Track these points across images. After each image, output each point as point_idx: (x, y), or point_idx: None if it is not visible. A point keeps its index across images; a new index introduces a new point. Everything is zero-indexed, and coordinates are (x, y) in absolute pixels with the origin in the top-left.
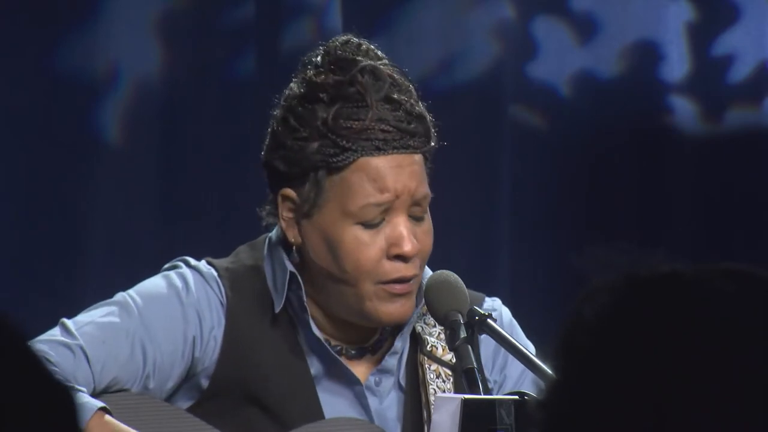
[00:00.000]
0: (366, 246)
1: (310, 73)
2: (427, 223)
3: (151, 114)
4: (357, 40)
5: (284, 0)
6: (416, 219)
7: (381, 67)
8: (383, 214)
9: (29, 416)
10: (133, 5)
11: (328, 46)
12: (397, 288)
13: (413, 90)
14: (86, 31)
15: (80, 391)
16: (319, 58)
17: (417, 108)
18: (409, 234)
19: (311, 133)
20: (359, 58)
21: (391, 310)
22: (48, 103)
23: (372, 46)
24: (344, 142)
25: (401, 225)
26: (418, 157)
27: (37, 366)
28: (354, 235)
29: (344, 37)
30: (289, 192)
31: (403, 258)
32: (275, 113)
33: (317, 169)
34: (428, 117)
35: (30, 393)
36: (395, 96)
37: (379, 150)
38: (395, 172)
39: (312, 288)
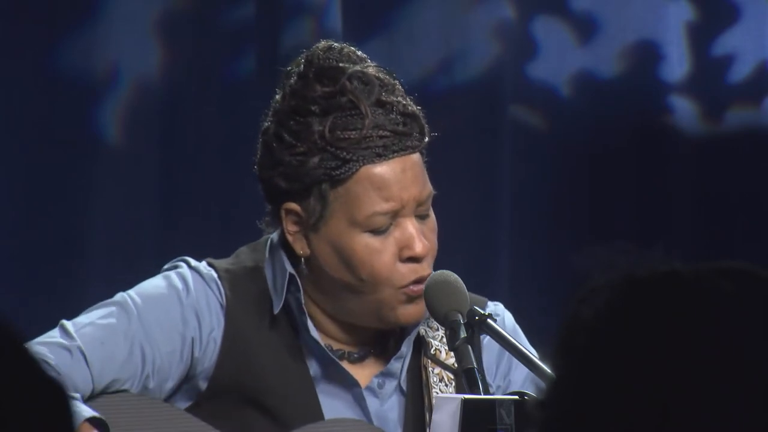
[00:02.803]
0: (378, 252)
1: (297, 85)
2: (432, 220)
3: (151, 114)
4: (338, 44)
5: (284, 0)
6: (422, 217)
7: (367, 70)
8: (391, 219)
9: (25, 417)
10: (133, 5)
11: (310, 55)
12: (415, 290)
13: (400, 87)
14: (86, 31)
15: (73, 398)
16: (302, 68)
17: (409, 107)
18: (419, 234)
19: (309, 147)
20: (343, 64)
21: (410, 311)
22: (48, 103)
23: (353, 48)
24: (344, 153)
25: (410, 227)
26: (416, 157)
27: (32, 366)
28: (365, 243)
29: (325, 44)
30: (293, 206)
31: (416, 259)
32: (265, 126)
33: (320, 183)
34: (420, 113)
35: (26, 394)
36: (386, 98)
37: (379, 156)
38: (399, 179)
39: (318, 293)
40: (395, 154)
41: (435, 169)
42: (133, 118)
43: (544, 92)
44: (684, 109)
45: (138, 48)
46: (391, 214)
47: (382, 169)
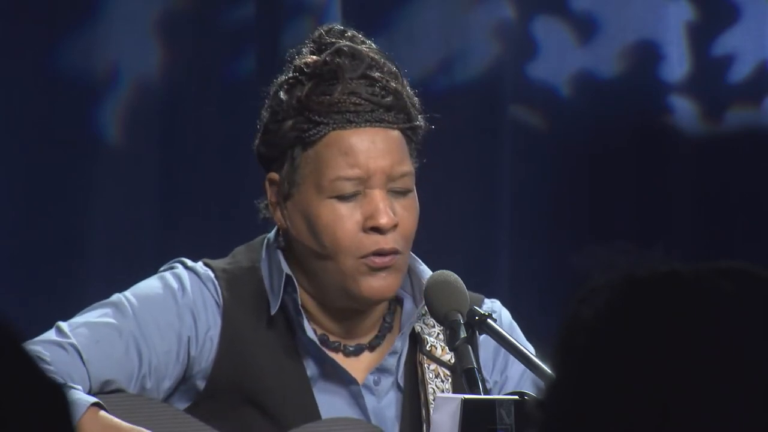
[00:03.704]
0: (342, 219)
1: (295, 60)
2: (410, 200)
3: (151, 114)
4: (341, 27)
5: (284, 0)
6: (398, 194)
7: (361, 48)
8: (358, 186)
9: (25, 417)
10: (133, 5)
11: (314, 35)
12: (377, 261)
13: (398, 74)
14: (86, 31)
15: (74, 388)
16: (305, 49)
17: (393, 84)
18: (386, 207)
19: (287, 113)
20: (338, 41)
21: (372, 284)
22: (48, 103)
23: (359, 34)
24: (316, 116)
25: (377, 198)
26: (395, 134)
27: (31, 366)
28: (330, 209)
29: (328, 26)
30: (273, 175)
31: (379, 230)
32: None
33: (293, 147)
34: (409, 95)
35: (25, 394)
36: (372, 74)
37: (350, 123)
38: (367, 148)
39: (304, 278)
40: (368, 123)
41: (435, 169)
42: (133, 118)
43: (544, 92)
44: (684, 109)
45: (138, 48)
46: (357, 182)
47: (351, 136)
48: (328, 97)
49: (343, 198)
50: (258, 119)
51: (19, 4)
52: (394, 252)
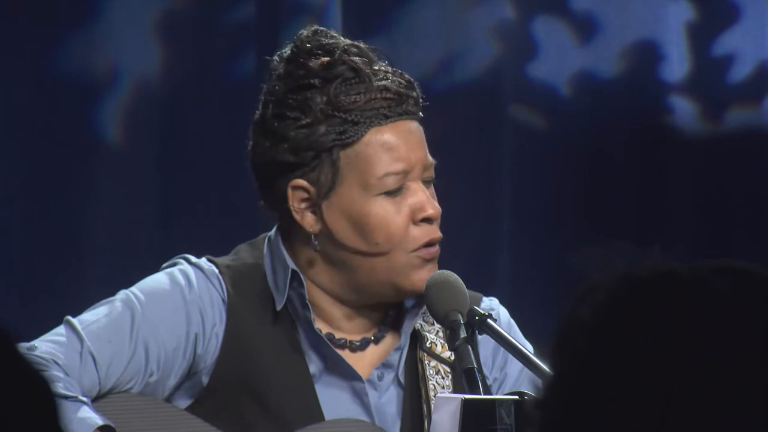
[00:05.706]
0: (393, 215)
1: (288, 68)
2: (433, 188)
3: (151, 114)
4: (322, 28)
5: (284, 0)
6: (426, 183)
7: (359, 44)
8: (402, 180)
9: (20, 417)
10: (133, 5)
11: (299, 39)
12: (428, 252)
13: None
14: (86, 31)
15: (84, 403)
16: (291, 53)
17: (405, 75)
18: (428, 197)
19: (315, 117)
20: (334, 41)
21: (422, 276)
22: (48, 103)
23: (331, 31)
24: (351, 116)
25: (420, 190)
26: (417, 123)
27: (23, 367)
28: (380, 206)
29: (312, 28)
30: (300, 182)
31: (429, 221)
32: (258, 116)
33: (330, 149)
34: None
35: (21, 394)
36: (381, 67)
37: (386, 117)
38: (406, 141)
39: (325, 275)
40: (399, 116)
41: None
42: (133, 118)
43: (544, 92)
44: (684, 109)
45: (138, 48)
46: (402, 175)
47: (389, 131)
48: (358, 95)
49: (390, 193)
50: (255, 131)
51: (19, 4)
52: (439, 241)
